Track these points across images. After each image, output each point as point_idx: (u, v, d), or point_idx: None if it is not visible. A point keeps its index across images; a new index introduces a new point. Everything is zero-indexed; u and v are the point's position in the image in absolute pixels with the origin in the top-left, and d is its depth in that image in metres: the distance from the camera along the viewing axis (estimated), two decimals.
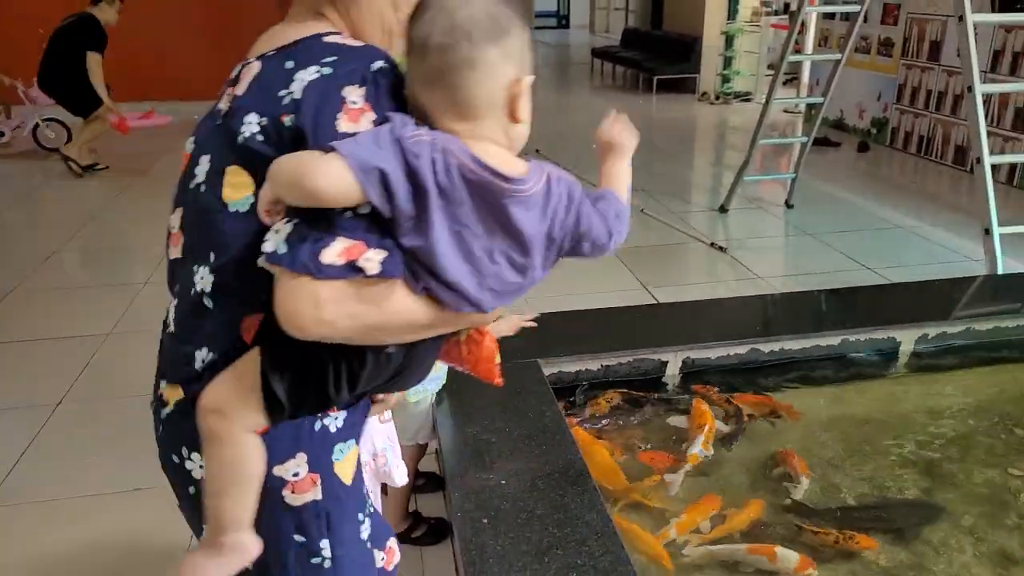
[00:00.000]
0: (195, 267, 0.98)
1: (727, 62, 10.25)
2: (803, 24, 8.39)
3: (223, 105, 0.99)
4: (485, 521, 1.55)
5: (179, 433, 1.02)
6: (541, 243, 0.93)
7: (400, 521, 2.03)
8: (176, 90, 8.19)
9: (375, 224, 0.86)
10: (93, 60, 5.84)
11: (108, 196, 5.80)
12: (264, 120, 0.92)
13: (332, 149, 0.84)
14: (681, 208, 5.48)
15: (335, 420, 1.02)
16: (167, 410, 1.03)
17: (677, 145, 7.92)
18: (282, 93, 0.92)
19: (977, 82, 3.44)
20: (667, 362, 2.37)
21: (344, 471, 1.03)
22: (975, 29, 3.50)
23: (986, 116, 3.64)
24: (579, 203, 0.94)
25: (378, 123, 0.89)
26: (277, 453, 0.97)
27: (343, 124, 0.89)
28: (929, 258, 4.45)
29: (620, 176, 1.06)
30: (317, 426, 1.00)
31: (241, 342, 0.96)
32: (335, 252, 0.84)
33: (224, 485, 0.96)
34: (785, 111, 8.92)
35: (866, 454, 2.21)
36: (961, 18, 3.48)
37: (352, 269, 0.85)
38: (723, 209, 5.40)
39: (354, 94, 0.90)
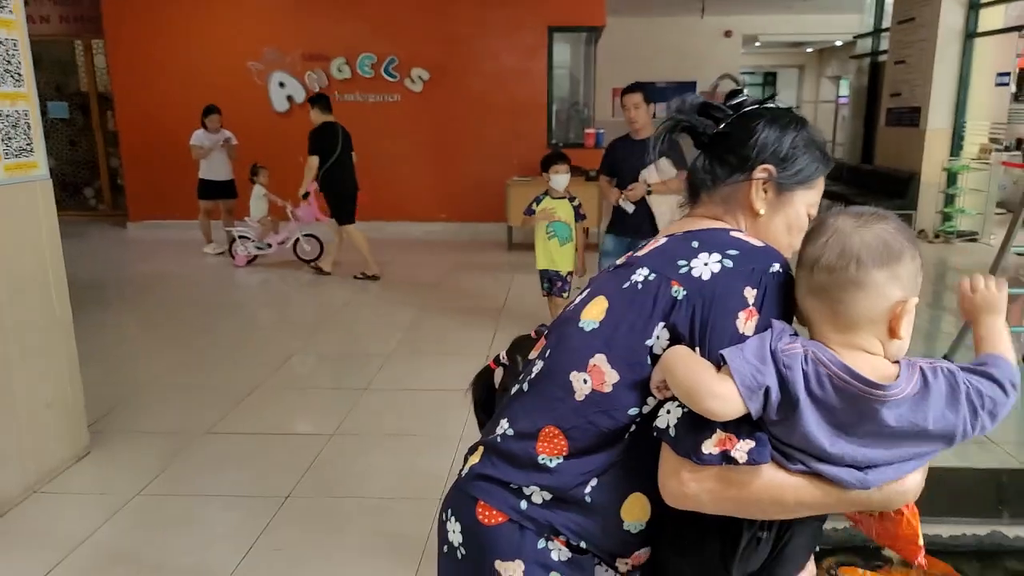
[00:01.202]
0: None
1: (948, 199, 9.68)
2: None
3: (623, 261, 1.22)
4: None
5: (451, 497, 1.24)
6: (920, 430, 0.97)
7: None
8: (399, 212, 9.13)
9: (746, 417, 1.00)
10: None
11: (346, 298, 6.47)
12: (652, 276, 1.11)
13: (724, 364, 0.99)
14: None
15: (560, 551, 1.14)
16: (463, 470, 1.24)
17: None
18: (681, 263, 1.10)
19: None
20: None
21: None
22: None
23: None
24: (960, 384, 0.98)
25: (760, 328, 1.04)
26: (502, 550, 1.14)
27: (740, 325, 1.04)
28: None
29: (1003, 335, 1.06)
30: (540, 544, 1.14)
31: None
32: (712, 443, 0.99)
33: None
34: (1018, 253, 8.20)
35: None
36: None
37: (725, 458, 0.99)
38: (946, 357, 4.99)
39: (751, 296, 1.05)
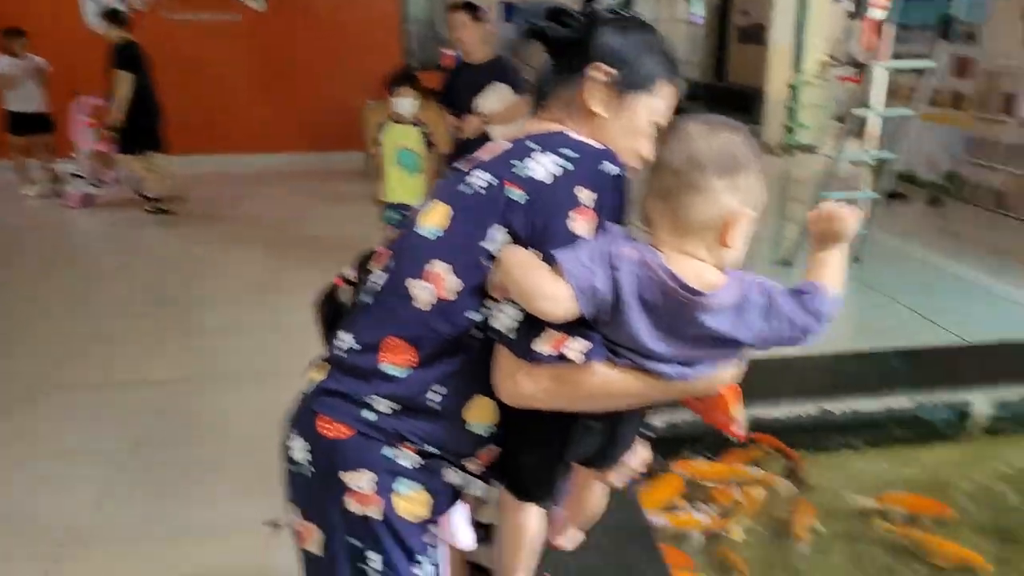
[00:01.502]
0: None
1: (792, 114, 10.22)
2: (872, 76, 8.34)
3: (464, 166, 1.19)
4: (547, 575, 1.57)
5: (294, 415, 1.22)
6: (735, 340, 1.03)
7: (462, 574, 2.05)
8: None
9: (579, 316, 1.01)
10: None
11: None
12: (491, 179, 1.10)
13: (558, 265, 1.00)
14: (744, 261, 5.45)
15: (409, 458, 1.15)
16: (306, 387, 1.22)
17: None
18: (519, 165, 1.09)
19: None
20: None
21: (407, 508, 1.15)
22: None
23: None
24: (779, 306, 1.04)
25: (596, 230, 1.05)
26: (348, 461, 1.13)
27: (575, 226, 1.05)
28: (1008, 318, 4.32)
29: (834, 266, 1.10)
30: (387, 452, 1.13)
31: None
32: (546, 343, 1.02)
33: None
34: (852, 163, 8.82)
35: (938, 519, 2.15)
36: None
37: (560, 358, 1.01)
38: (787, 263, 5.34)
39: (587, 196, 1.05)
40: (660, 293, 1.00)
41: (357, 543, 1.15)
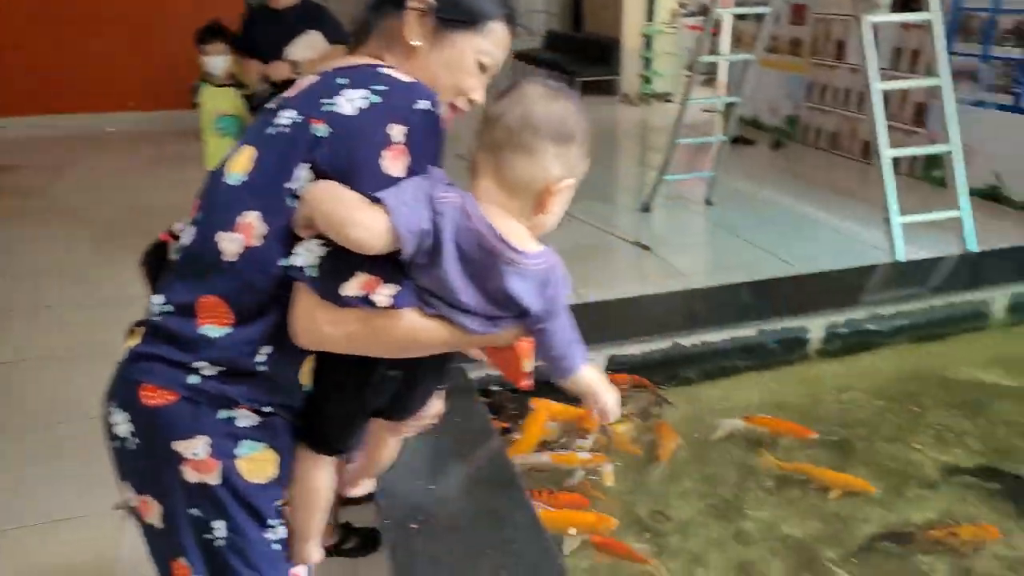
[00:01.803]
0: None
1: (647, 63, 10.49)
2: (719, 25, 8.67)
3: (272, 105, 1.12)
4: (415, 527, 1.57)
5: (112, 386, 1.14)
6: (527, 308, 1.06)
7: (329, 534, 2.03)
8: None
9: (391, 259, 0.98)
10: None
11: None
12: (298, 117, 1.04)
13: (380, 202, 0.96)
14: (606, 210, 5.60)
15: (246, 417, 1.10)
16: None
17: (601, 147, 8.00)
18: (325, 101, 1.03)
19: (876, 79, 3.63)
20: (592, 360, 2.44)
21: (252, 469, 1.11)
22: (875, 28, 3.70)
23: (888, 111, 3.84)
24: (563, 308, 1.10)
25: (411, 168, 1.01)
26: (179, 429, 1.06)
27: (387, 164, 1.01)
28: (840, 249, 4.67)
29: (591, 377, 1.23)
30: (221, 415, 1.08)
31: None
32: (355, 286, 0.98)
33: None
34: (705, 111, 9.18)
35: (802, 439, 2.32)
36: (859, 19, 3.67)
37: (366, 301, 0.98)
38: (646, 208, 5.54)
39: (397, 132, 1.01)
40: (476, 244, 1.00)
41: (199, 513, 1.10)
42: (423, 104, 1.04)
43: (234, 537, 1.12)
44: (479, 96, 1.18)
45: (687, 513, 2.01)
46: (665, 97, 10.29)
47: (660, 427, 2.27)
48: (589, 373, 1.21)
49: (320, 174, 1.02)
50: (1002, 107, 5.59)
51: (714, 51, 8.95)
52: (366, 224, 0.95)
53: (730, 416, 2.35)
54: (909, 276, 3.25)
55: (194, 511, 1.10)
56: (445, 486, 1.71)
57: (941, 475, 2.16)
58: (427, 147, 1.04)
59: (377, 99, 1.03)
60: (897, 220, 3.61)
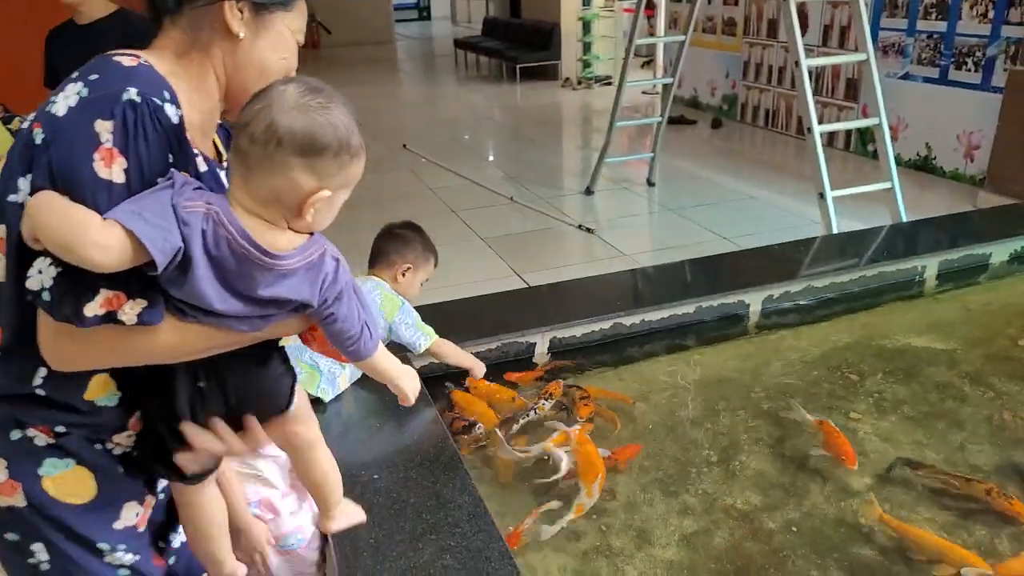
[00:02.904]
0: None
1: (586, 47, 10.53)
2: (654, 7, 8.74)
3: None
4: None
5: None
6: (302, 302, 1.01)
7: None
8: None
9: (136, 272, 0.89)
10: None
11: None
12: (30, 120, 0.95)
13: (113, 217, 0.86)
14: (550, 194, 5.61)
15: (42, 437, 1.03)
16: None
17: (543, 132, 8.08)
18: (49, 100, 0.93)
19: (802, 57, 3.70)
20: (535, 343, 2.45)
21: (61, 489, 1.04)
22: (802, 6, 3.76)
23: (820, 87, 3.92)
24: (350, 282, 1.05)
25: (130, 171, 0.91)
26: None
27: (99, 168, 0.90)
28: (779, 224, 4.77)
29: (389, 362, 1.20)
30: (15, 435, 1.02)
31: None
32: (97, 305, 0.88)
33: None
34: (644, 92, 9.27)
35: (720, 411, 2.36)
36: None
37: (111, 319, 0.89)
38: (589, 191, 5.57)
39: (105, 131, 0.90)
40: (229, 251, 0.93)
41: (16, 537, 1.05)
42: (130, 93, 0.91)
43: (59, 561, 1.06)
44: (294, 66, 1.11)
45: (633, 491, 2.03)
46: (606, 80, 10.35)
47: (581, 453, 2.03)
48: (384, 357, 1.16)
49: (40, 185, 0.91)
50: (928, 79, 5.75)
51: (652, 32, 9.03)
52: (100, 243, 0.85)
53: (670, 392, 2.38)
54: (842, 248, 3.33)
55: (10, 535, 1.05)
56: (389, 474, 1.70)
57: (880, 444, 2.22)
58: (141, 145, 0.92)
59: (85, 92, 0.92)
60: (829, 194, 3.69)
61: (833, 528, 1.92)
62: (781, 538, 1.89)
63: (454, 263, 3.98)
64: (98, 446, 1.07)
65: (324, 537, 1.64)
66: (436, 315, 2.23)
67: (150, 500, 1.18)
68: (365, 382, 2.00)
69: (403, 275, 2.15)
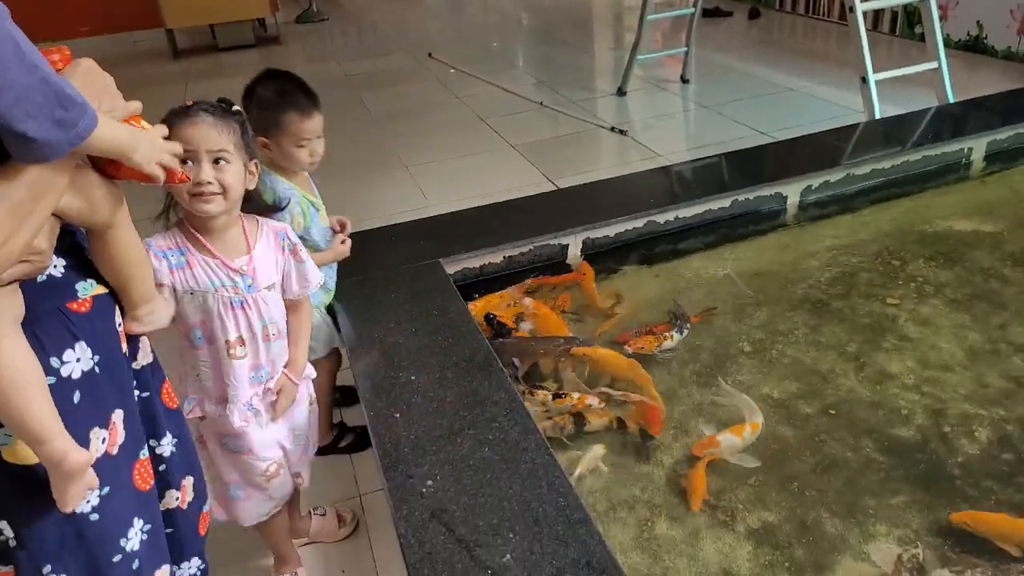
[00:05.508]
0: None
1: None
2: None
3: None
4: (397, 415, 1.61)
5: None
6: None
7: (325, 434, 2.08)
8: None
9: None
10: None
11: None
12: None
13: None
14: (581, 97, 5.47)
15: None
16: None
17: (573, 33, 7.81)
18: None
19: None
20: (567, 245, 2.44)
21: (22, 457, 1.00)
22: None
23: None
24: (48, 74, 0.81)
25: None
26: None
27: None
28: (820, 116, 4.59)
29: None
30: None
31: None
32: None
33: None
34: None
35: (759, 302, 2.35)
36: None
37: None
38: (621, 92, 5.41)
39: None
40: None
41: None
42: None
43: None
44: None
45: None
46: None
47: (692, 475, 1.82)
48: (109, 127, 0.93)
49: None
50: None
51: None
52: None
53: (707, 289, 2.37)
54: (885, 133, 3.21)
55: None
56: (426, 375, 1.74)
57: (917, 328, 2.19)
58: None
59: None
60: (872, 77, 3.52)
61: (870, 411, 1.92)
62: (817, 422, 1.90)
63: (485, 171, 3.94)
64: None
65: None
66: (466, 223, 2.23)
67: (116, 417, 1.09)
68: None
69: (269, 151, 1.66)
